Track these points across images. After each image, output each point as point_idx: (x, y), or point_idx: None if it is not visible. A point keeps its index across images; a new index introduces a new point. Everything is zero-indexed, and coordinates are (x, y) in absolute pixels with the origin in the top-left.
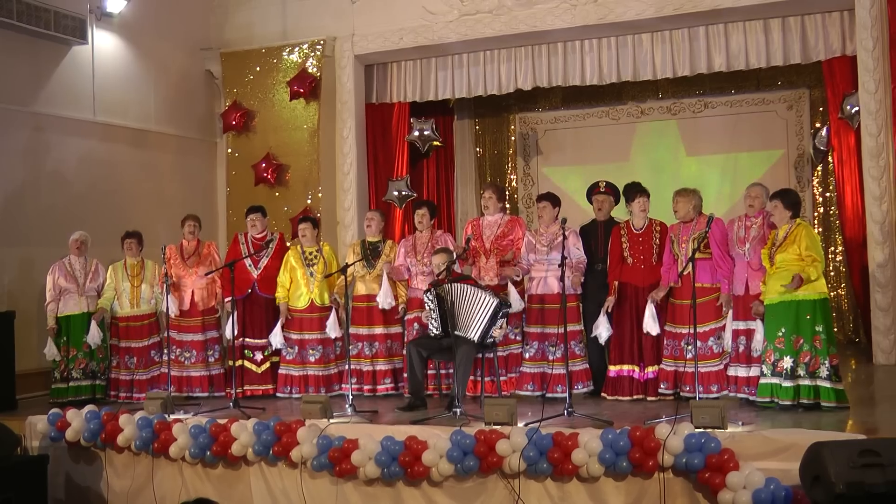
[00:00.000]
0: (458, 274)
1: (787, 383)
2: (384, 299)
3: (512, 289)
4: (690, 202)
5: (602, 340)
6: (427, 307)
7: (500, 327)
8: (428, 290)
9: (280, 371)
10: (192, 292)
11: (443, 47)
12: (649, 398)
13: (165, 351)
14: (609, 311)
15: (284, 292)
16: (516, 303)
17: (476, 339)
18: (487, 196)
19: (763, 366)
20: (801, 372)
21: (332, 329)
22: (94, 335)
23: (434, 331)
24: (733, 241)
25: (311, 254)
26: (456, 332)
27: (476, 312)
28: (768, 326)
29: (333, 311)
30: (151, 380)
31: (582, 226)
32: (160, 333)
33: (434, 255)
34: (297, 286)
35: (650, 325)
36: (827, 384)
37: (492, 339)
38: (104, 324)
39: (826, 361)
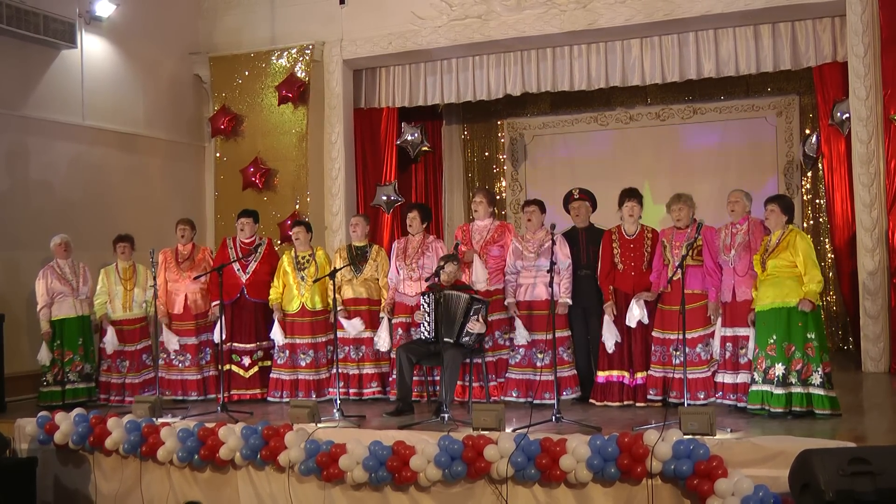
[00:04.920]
0: (462, 283)
1: (778, 391)
2: (383, 343)
3: (519, 323)
4: (691, 208)
5: (609, 348)
6: (422, 308)
7: (476, 322)
8: (426, 293)
9: (271, 375)
10: (186, 296)
11: (431, 52)
12: (638, 404)
13: (163, 355)
14: (615, 314)
15: (277, 294)
16: (522, 337)
17: (453, 339)
18: (478, 201)
19: (754, 373)
20: (793, 379)
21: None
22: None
23: (425, 334)
24: (719, 248)
25: (303, 258)
26: (445, 339)
27: (455, 314)
28: (760, 334)
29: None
30: (143, 383)
31: (563, 232)
32: (151, 337)
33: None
34: (289, 290)
35: (636, 315)
36: (821, 391)
37: (468, 338)
38: (93, 326)
39: (819, 369)
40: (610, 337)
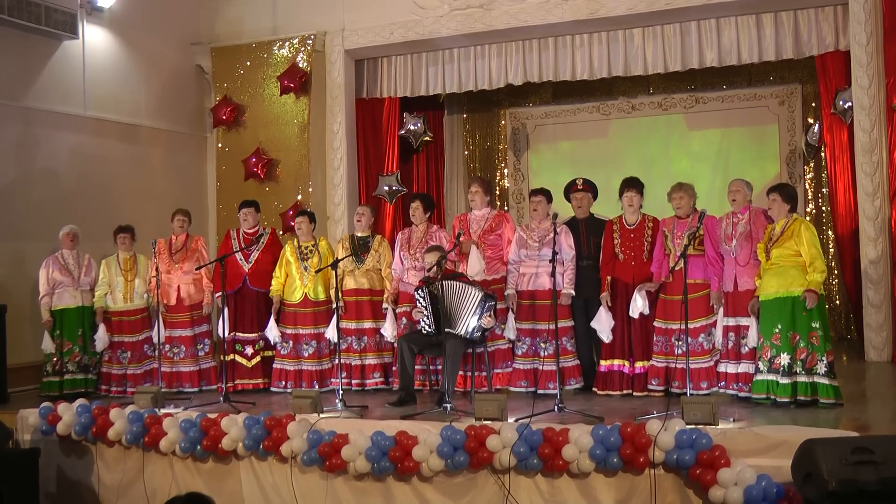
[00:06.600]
0: (452, 271)
1: (784, 380)
2: (389, 332)
3: (511, 317)
4: (692, 197)
5: (606, 340)
6: (418, 304)
7: (489, 317)
8: (419, 288)
9: (275, 365)
10: (178, 287)
11: (433, 42)
12: (637, 393)
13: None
14: (609, 304)
15: (278, 285)
16: (511, 332)
17: (464, 333)
18: (474, 190)
19: (759, 362)
20: (798, 369)
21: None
22: (103, 338)
23: (427, 328)
24: (720, 237)
25: (306, 248)
26: (447, 330)
27: (464, 307)
28: (764, 323)
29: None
30: (145, 374)
31: (563, 223)
32: (153, 328)
33: (426, 252)
34: (292, 280)
35: (640, 305)
36: (825, 381)
37: (478, 334)
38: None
39: (823, 358)
40: (602, 327)
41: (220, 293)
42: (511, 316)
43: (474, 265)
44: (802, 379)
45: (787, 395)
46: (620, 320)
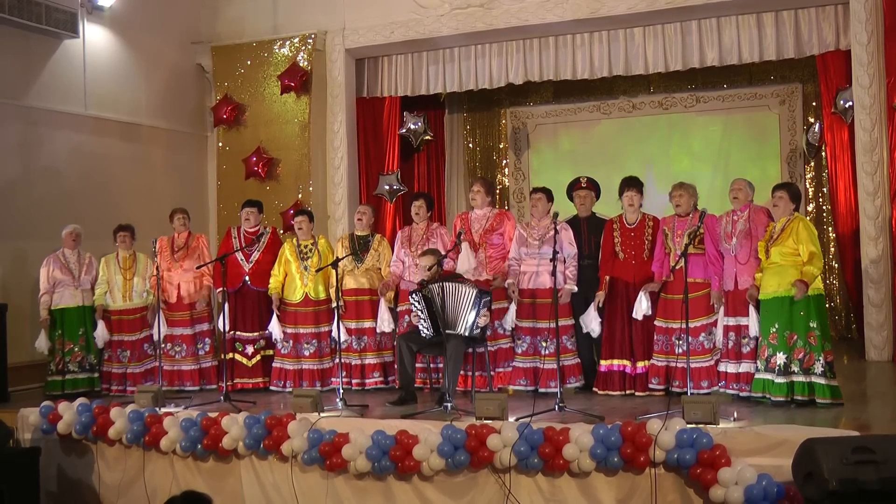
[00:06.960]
0: (449, 272)
1: (779, 380)
2: (382, 324)
3: (512, 308)
4: (692, 196)
5: (595, 335)
6: (414, 308)
7: (484, 315)
8: (414, 292)
9: (274, 365)
10: (179, 286)
11: (434, 41)
12: (638, 393)
13: (166, 345)
14: (600, 305)
15: (277, 283)
16: (508, 323)
17: (465, 332)
18: (476, 190)
19: (757, 361)
20: (795, 368)
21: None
22: (102, 334)
23: (425, 331)
24: (720, 236)
25: (306, 247)
26: (447, 331)
27: (461, 306)
28: (762, 322)
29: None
30: (145, 373)
31: (565, 220)
32: (152, 326)
33: (421, 256)
34: (292, 279)
35: (644, 307)
36: (822, 381)
37: (478, 330)
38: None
39: (821, 358)
40: (589, 326)
41: (220, 289)
42: (512, 307)
43: (463, 263)
44: (799, 379)
45: (783, 394)
46: (621, 320)
